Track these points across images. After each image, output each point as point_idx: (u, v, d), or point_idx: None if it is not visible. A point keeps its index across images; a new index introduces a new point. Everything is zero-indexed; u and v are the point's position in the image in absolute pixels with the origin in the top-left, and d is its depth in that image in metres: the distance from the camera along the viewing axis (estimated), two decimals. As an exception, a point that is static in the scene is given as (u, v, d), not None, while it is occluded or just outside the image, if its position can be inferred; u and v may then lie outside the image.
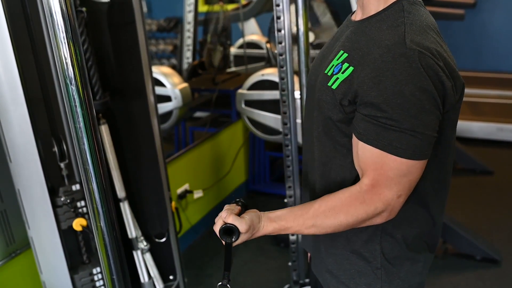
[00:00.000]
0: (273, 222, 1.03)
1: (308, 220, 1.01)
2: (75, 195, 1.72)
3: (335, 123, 1.04)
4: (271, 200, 3.54)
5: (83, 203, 1.73)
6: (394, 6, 0.98)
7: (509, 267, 2.71)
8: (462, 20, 3.96)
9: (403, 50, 0.90)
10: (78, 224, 1.70)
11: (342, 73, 0.99)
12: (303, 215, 1.02)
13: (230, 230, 1.02)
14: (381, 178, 0.95)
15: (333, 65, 1.03)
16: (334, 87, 1.00)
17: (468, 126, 4.43)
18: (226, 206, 1.05)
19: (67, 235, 1.73)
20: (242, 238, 1.02)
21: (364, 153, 0.97)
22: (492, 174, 3.84)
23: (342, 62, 1.00)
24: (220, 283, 1.04)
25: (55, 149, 1.69)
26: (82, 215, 1.73)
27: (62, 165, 1.71)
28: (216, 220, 1.04)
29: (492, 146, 4.36)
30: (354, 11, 1.10)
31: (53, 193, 1.68)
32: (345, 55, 1.00)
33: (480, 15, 5.36)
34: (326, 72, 1.05)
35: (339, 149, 1.06)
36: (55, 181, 1.70)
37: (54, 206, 1.68)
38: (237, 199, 1.10)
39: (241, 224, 1.01)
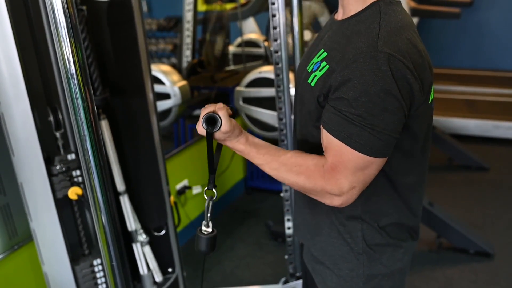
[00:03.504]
0: (247, 144, 1.08)
1: (275, 163, 1.06)
2: (71, 164, 1.71)
3: (312, 118, 1.09)
4: (269, 196, 3.59)
5: (78, 172, 1.73)
6: (371, 7, 1.03)
7: (501, 260, 2.76)
8: (458, 19, 4.00)
9: (374, 53, 0.94)
10: (73, 193, 1.69)
11: (320, 70, 1.04)
12: (274, 156, 1.07)
13: (214, 120, 1.04)
14: (340, 165, 0.99)
15: (313, 62, 1.08)
16: (312, 84, 1.05)
17: (465, 124, 4.48)
18: (222, 104, 1.08)
19: (63, 205, 1.72)
20: (218, 135, 1.05)
21: (327, 141, 1.02)
22: (488, 171, 3.89)
23: (321, 61, 1.05)
24: (206, 188, 1.10)
25: (51, 118, 1.68)
26: (78, 184, 1.72)
27: (57, 134, 1.69)
28: (205, 107, 1.07)
29: (488, 143, 4.41)
30: (336, 10, 1.15)
31: (48, 162, 1.67)
32: (325, 54, 1.05)
33: (477, 14, 5.41)
34: (307, 69, 1.10)
35: (316, 145, 1.10)
36: (51, 151, 1.69)
37: (50, 175, 1.67)
38: (231, 106, 1.12)
39: (226, 122, 1.05)
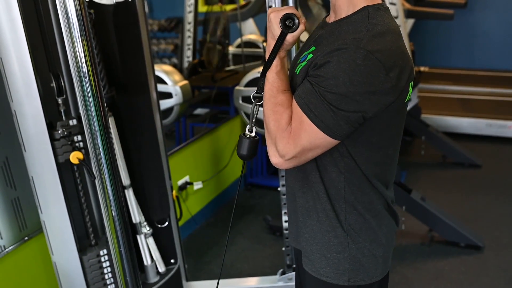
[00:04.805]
0: (281, 60, 1.15)
1: (274, 90, 1.14)
2: (72, 129, 1.75)
3: None
4: (268, 192, 3.67)
5: (80, 137, 1.78)
6: (361, 11, 1.13)
7: (491, 253, 2.85)
8: (452, 20, 4.09)
9: (355, 48, 1.04)
10: (75, 157, 1.72)
11: (306, 61, 1.14)
12: (280, 85, 1.14)
13: (290, 20, 1.10)
14: (295, 131, 1.10)
15: (303, 55, 1.18)
16: (297, 72, 1.16)
17: (458, 122, 4.58)
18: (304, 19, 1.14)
19: (64, 170, 1.77)
20: (290, 37, 1.12)
21: (293, 106, 1.12)
22: (480, 168, 3.99)
23: (309, 53, 1.15)
24: (254, 92, 1.19)
25: (53, 84, 1.69)
26: (79, 149, 1.76)
27: (59, 100, 1.72)
28: (287, 7, 1.14)
29: (481, 141, 4.52)
30: (328, 14, 1.25)
31: (51, 127, 1.70)
32: (313, 48, 1.15)
33: (471, 15, 5.50)
34: (297, 62, 1.20)
35: None
36: (53, 117, 1.73)
37: (52, 139, 1.70)
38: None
39: (298, 33, 1.12)
